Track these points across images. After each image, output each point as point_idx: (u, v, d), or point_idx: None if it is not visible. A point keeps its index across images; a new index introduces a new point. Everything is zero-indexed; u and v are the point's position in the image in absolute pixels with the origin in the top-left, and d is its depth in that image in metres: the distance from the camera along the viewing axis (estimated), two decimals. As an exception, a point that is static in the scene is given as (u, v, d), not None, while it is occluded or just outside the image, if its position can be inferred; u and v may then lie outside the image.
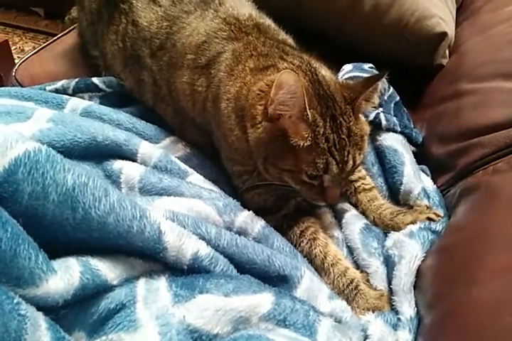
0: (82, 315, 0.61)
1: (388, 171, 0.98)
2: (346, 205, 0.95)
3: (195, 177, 0.91)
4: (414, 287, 0.77)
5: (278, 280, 0.72)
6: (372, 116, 1.01)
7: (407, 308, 0.73)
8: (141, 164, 0.90)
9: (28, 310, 0.53)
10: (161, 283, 0.65)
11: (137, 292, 0.63)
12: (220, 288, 0.65)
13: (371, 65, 1.14)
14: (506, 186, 0.79)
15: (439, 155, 1.01)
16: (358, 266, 0.84)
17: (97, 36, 1.19)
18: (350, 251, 0.87)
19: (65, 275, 0.58)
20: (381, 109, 1.05)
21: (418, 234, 0.83)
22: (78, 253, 0.63)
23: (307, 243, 0.85)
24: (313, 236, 0.85)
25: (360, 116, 0.85)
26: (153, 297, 0.62)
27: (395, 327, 0.72)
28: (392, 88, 1.11)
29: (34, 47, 1.73)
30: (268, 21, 1.00)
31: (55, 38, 1.40)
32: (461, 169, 0.94)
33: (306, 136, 0.75)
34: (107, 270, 0.63)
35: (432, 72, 1.22)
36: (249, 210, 0.83)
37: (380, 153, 1.01)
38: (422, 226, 0.85)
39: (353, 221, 0.90)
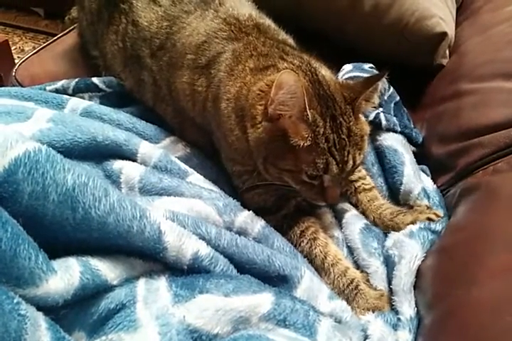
0: (82, 315, 0.61)
1: (388, 171, 0.98)
2: (346, 205, 0.95)
3: (195, 177, 0.91)
4: (414, 287, 0.77)
5: (278, 280, 0.72)
6: (372, 116, 1.01)
7: (407, 308, 0.73)
8: (141, 164, 0.90)
9: (28, 310, 0.53)
10: (161, 283, 0.65)
11: (137, 292, 0.63)
12: (220, 288, 0.65)
13: (371, 64, 1.14)
14: (506, 186, 0.79)
15: (439, 155, 1.01)
16: (358, 266, 0.84)
17: (97, 36, 1.19)
18: (350, 251, 0.87)
19: (65, 275, 0.58)
20: (381, 109, 1.05)
21: (418, 234, 0.83)
22: (78, 253, 0.63)
23: (307, 243, 0.85)
24: (313, 236, 0.85)
25: (360, 116, 0.85)
26: (153, 297, 0.62)
27: (395, 327, 0.72)
28: (392, 88, 1.11)
29: (34, 47, 1.73)
30: (268, 21, 1.00)
31: (55, 38, 1.40)
32: (461, 169, 0.94)
33: (306, 136, 0.75)
34: (107, 270, 0.63)
35: (432, 72, 1.22)
36: (249, 210, 0.83)
37: (380, 153, 1.01)
38: (422, 226, 0.85)
39: (353, 221, 0.90)
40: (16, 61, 1.32)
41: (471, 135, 0.94)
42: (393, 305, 0.75)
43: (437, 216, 0.88)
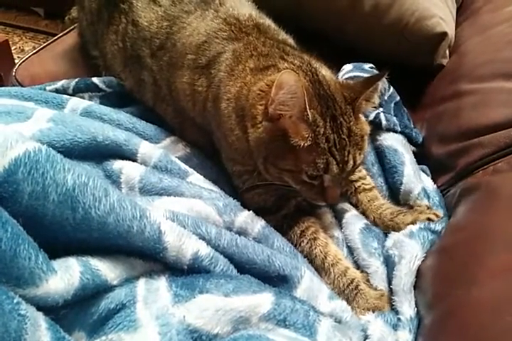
0: (82, 315, 0.61)
1: (388, 171, 0.98)
2: (346, 205, 0.95)
3: (196, 177, 0.91)
4: (415, 287, 0.77)
5: (278, 280, 0.72)
6: (372, 116, 1.01)
7: (407, 308, 0.73)
8: (141, 164, 0.90)
9: (28, 310, 0.53)
10: (161, 283, 0.65)
11: (137, 292, 0.63)
12: (220, 288, 0.65)
13: (371, 64, 1.14)
14: (506, 186, 0.79)
15: (439, 155, 1.01)
16: (358, 266, 0.84)
17: (97, 36, 1.19)
18: (351, 251, 0.87)
19: (65, 275, 0.58)
20: (381, 109, 1.05)
21: (418, 234, 0.83)
22: (78, 253, 0.63)
23: (307, 243, 0.85)
24: (313, 236, 0.85)
25: (361, 116, 0.85)
26: (153, 297, 0.62)
27: (395, 327, 0.72)
28: (392, 88, 1.11)
29: (34, 47, 1.73)
30: (268, 21, 1.00)
31: (55, 38, 1.40)
32: (461, 169, 0.94)
33: (307, 136, 0.75)
34: (107, 270, 0.63)
35: (432, 72, 1.22)
36: (249, 210, 0.83)
37: (380, 153, 1.01)
38: (422, 226, 0.85)
39: (353, 221, 0.90)
40: (16, 61, 1.32)
41: (471, 135, 0.94)
42: (393, 305, 0.75)
43: (437, 216, 0.88)
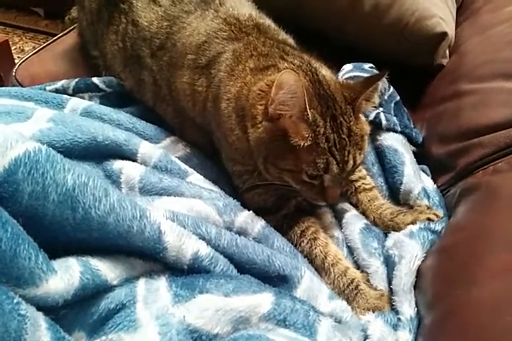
0: (82, 315, 0.61)
1: (388, 171, 0.98)
2: (346, 205, 0.95)
3: (196, 177, 0.91)
4: (415, 287, 0.77)
5: (278, 280, 0.72)
6: (372, 116, 1.01)
7: (407, 308, 0.73)
8: (141, 164, 0.90)
9: (28, 310, 0.53)
10: (161, 283, 0.65)
11: (137, 292, 0.63)
12: (220, 288, 0.65)
13: (371, 64, 1.14)
14: (506, 186, 0.79)
15: (439, 155, 1.01)
16: (358, 266, 0.84)
17: (97, 36, 1.19)
18: (351, 251, 0.87)
19: (65, 275, 0.58)
20: (381, 109, 1.05)
21: (418, 234, 0.83)
22: (78, 253, 0.63)
23: (307, 243, 0.85)
24: (313, 236, 0.85)
25: (361, 115, 0.85)
26: (153, 297, 0.62)
27: (395, 327, 0.72)
28: (392, 88, 1.11)
29: (34, 47, 1.73)
30: (268, 21, 1.00)
31: (55, 38, 1.40)
32: (461, 169, 0.94)
33: (307, 135, 0.75)
34: (107, 270, 0.63)
35: (432, 72, 1.22)
36: (249, 210, 0.83)
37: (380, 153, 1.01)
38: (422, 226, 0.85)
39: (353, 221, 0.90)
40: (16, 61, 1.32)
41: (471, 135, 0.94)
42: (393, 305, 0.75)
43: (437, 216, 0.88)
